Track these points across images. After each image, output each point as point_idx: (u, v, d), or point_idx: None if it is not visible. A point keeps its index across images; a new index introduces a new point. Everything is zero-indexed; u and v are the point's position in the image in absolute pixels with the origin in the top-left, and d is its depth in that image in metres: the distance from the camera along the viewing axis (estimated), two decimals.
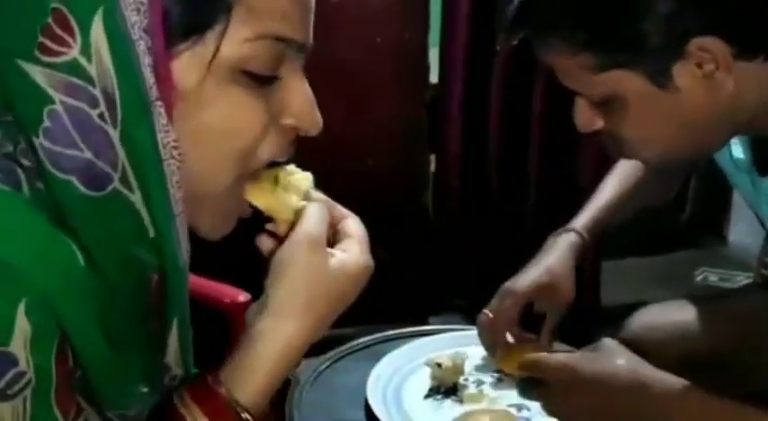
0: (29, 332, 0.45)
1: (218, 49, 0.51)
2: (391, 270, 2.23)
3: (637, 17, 0.76)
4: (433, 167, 2.22)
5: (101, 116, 0.47)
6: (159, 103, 0.49)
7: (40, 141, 0.47)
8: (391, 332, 1.15)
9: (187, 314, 0.56)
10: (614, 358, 0.78)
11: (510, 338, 1.03)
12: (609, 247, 2.27)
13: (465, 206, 2.16)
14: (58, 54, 0.46)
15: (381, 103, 2.12)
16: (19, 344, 0.45)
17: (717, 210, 2.81)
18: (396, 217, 2.20)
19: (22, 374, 0.45)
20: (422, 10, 2.06)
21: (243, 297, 1.37)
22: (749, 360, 0.89)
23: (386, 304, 2.20)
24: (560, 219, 2.16)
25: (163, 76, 0.49)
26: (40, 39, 0.46)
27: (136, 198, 0.49)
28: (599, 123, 0.86)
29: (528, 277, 1.05)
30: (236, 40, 0.51)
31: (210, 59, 0.51)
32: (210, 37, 0.51)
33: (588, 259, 2.19)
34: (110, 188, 0.48)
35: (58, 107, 0.46)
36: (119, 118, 0.47)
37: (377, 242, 2.45)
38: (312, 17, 0.57)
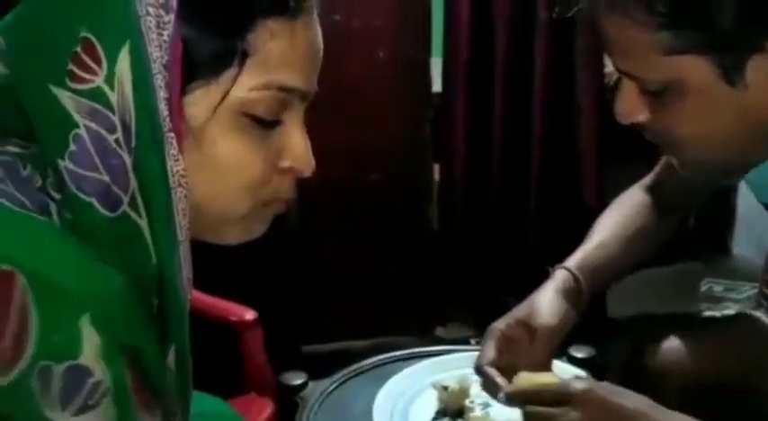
0: (98, 341, 0.47)
1: (228, 92, 0.55)
2: (396, 281, 2.24)
3: None
4: (436, 177, 2.23)
5: (117, 142, 0.50)
6: (171, 134, 0.52)
7: (66, 164, 0.49)
8: (398, 352, 1.14)
9: (186, 342, 0.58)
10: (630, 395, 0.77)
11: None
12: None
13: (468, 216, 2.17)
14: (85, 81, 0.49)
15: (384, 118, 2.13)
16: (90, 356, 0.47)
17: (720, 221, 2.80)
18: (400, 228, 2.20)
19: (99, 383, 0.48)
20: (423, 24, 2.07)
21: (250, 315, 1.37)
22: (756, 384, 0.89)
23: (391, 316, 2.20)
24: (563, 229, 2.17)
25: (175, 110, 0.52)
26: (70, 66, 0.49)
27: (143, 223, 0.51)
28: (641, 114, 0.80)
29: (509, 314, 0.98)
30: (245, 86, 0.56)
31: (220, 101, 0.55)
32: (223, 80, 0.55)
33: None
34: (120, 210, 0.50)
35: (82, 131, 0.49)
36: (132, 145, 0.50)
37: (381, 254, 2.44)
38: (319, 67, 0.62)
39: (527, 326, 0.94)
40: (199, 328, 1.47)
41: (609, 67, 3.05)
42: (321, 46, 0.62)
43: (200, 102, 0.55)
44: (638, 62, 0.76)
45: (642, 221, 1.07)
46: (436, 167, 2.22)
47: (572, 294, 0.98)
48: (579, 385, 0.78)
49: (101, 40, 0.49)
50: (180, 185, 0.53)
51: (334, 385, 1.05)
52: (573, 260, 1.01)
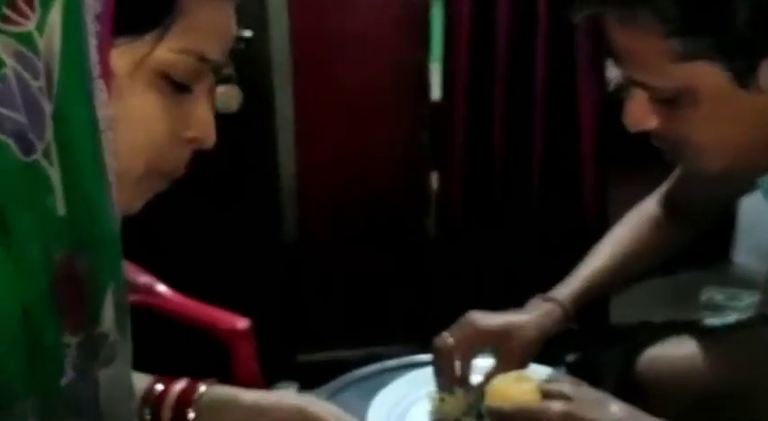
0: None
1: (153, 49, 0.57)
2: (393, 290, 2.22)
3: (735, 2, 0.70)
4: (435, 184, 2.21)
5: (40, 89, 0.50)
6: (101, 81, 0.52)
7: None
8: (393, 362, 1.12)
9: (123, 278, 0.57)
10: (608, 405, 0.77)
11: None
12: None
13: (467, 225, 2.15)
14: (17, 24, 0.49)
15: (382, 125, 2.12)
16: None
17: (720, 229, 2.79)
18: (397, 236, 2.19)
19: None
20: (422, 29, 2.06)
21: (242, 323, 1.35)
22: (752, 393, 0.88)
23: (387, 325, 2.18)
24: (563, 237, 2.15)
25: (105, 59, 0.53)
26: (4, 10, 0.49)
27: (54, 173, 0.51)
28: (652, 122, 0.78)
29: (496, 318, 0.97)
30: (168, 48, 0.58)
31: (142, 58, 0.57)
32: (148, 38, 0.57)
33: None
34: (32, 157, 0.50)
35: (9, 72, 0.49)
36: (54, 93, 0.50)
37: (378, 262, 2.42)
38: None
39: (504, 337, 0.95)
40: (191, 337, 1.45)
41: (611, 72, 3.04)
42: (234, 33, 0.64)
43: (123, 55, 0.57)
44: (649, 70, 0.75)
45: (653, 235, 1.07)
46: (435, 175, 2.21)
47: (553, 330, 0.99)
48: (558, 408, 0.77)
49: None
50: (109, 128, 0.53)
51: (327, 395, 1.03)
52: (570, 291, 1.00)
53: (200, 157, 0.64)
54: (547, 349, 1.01)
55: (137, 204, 0.63)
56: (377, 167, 2.13)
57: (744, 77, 0.72)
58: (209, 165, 0.65)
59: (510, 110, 2.06)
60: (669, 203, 1.08)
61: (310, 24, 1.98)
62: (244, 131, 1.87)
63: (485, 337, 0.95)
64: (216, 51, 0.61)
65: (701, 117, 0.75)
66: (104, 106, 0.53)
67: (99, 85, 0.53)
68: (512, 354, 0.94)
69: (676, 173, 1.08)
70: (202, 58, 0.60)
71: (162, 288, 1.37)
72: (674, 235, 1.08)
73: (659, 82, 0.75)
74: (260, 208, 2.03)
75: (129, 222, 0.60)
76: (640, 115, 0.78)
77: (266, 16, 1.93)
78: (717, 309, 2.42)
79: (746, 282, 2.31)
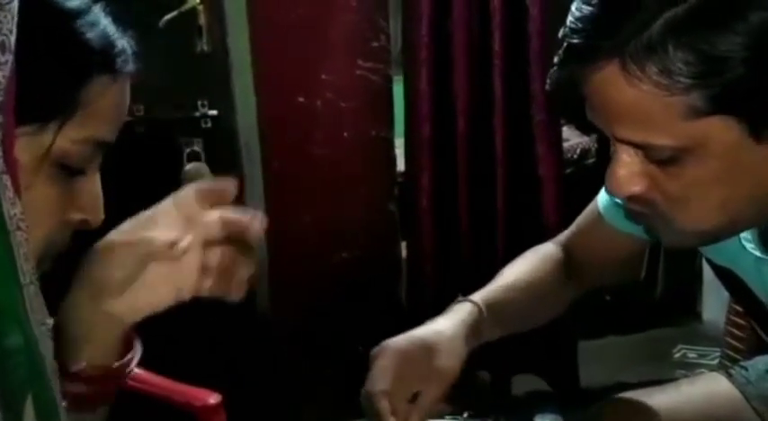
0: None
1: (54, 140, 0.55)
2: (366, 361, 2.21)
3: (745, 50, 0.63)
4: (404, 253, 2.24)
5: None
6: (6, 176, 0.49)
7: None
8: None
9: (47, 381, 0.52)
10: None
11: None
12: (586, 327, 2.28)
13: (438, 289, 2.17)
14: None
15: (351, 196, 2.15)
16: None
17: (688, 287, 2.83)
18: (369, 306, 2.19)
19: None
20: (386, 107, 2.12)
21: (213, 399, 1.34)
22: None
23: (360, 395, 2.16)
24: None
25: (9, 152, 0.49)
26: None
27: None
28: (641, 186, 0.72)
29: (407, 335, 0.89)
30: (68, 137, 0.56)
31: (47, 149, 0.55)
32: (50, 128, 0.55)
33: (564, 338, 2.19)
34: None
35: None
36: None
37: (353, 334, 2.43)
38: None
39: (427, 347, 0.86)
40: (163, 415, 1.43)
41: (570, 139, 3.10)
42: (127, 106, 0.62)
43: (26, 148, 0.54)
44: (653, 129, 0.67)
45: (550, 276, 1.02)
46: (404, 245, 2.24)
47: (474, 331, 0.91)
48: None
49: None
50: (19, 228, 0.49)
51: None
52: (479, 295, 0.96)
53: None
54: (517, 410, 1.01)
55: None
56: (347, 239, 2.16)
57: (759, 128, 0.66)
58: None
59: (472, 177, 2.12)
60: (568, 252, 1.06)
61: (278, 102, 2.03)
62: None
63: (404, 353, 0.87)
64: (112, 134, 0.60)
65: (705, 176, 0.69)
66: (12, 204, 0.49)
67: (4, 180, 0.48)
68: (439, 369, 0.86)
69: (576, 225, 1.06)
70: (99, 143, 0.59)
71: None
72: (568, 284, 1.04)
73: (663, 140, 0.68)
74: None
75: None
76: (629, 178, 0.71)
77: (233, 94, 1.98)
78: (689, 366, 2.44)
79: (717, 339, 2.34)
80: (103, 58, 0.57)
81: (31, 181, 0.55)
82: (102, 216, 0.61)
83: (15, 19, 0.49)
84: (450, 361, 0.86)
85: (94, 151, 0.59)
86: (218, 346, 1.95)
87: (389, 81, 2.10)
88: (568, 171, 2.62)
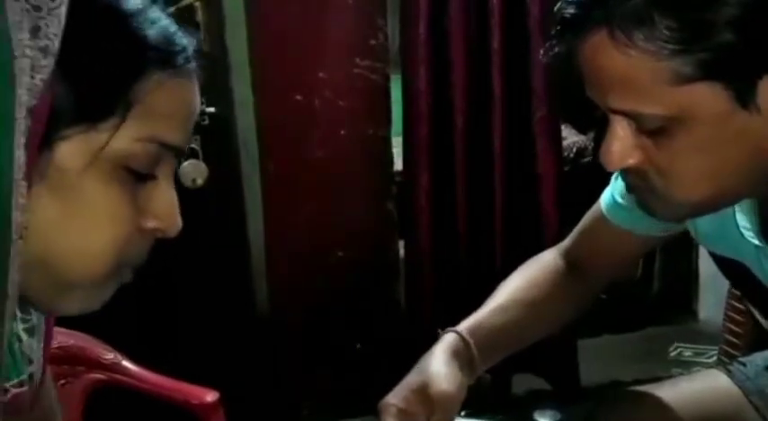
0: None
1: (108, 141, 0.53)
2: (364, 359, 2.21)
3: (729, 17, 0.65)
4: (402, 252, 2.24)
5: None
6: (24, 183, 0.48)
7: None
8: None
9: None
10: None
11: None
12: (582, 326, 2.28)
13: (436, 292, 2.17)
14: None
15: (349, 196, 2.15)
16: None
17: (684, 285, 2.84)
18: (367, 306, 2.19)
19: None
20: (384, 105, 2.12)
21: (211, 396, 1.34)
22: None
23: (358, 394, 2.16)
24: None
25: (33, 158, 0.49)
26: None
27: None
28: (635, 157, 0.73)
29: (401, 385, 0.89)
30: (126, 137, 0.53)
31: (99, 149, 0.52)
32: (104, 128, 0.52)
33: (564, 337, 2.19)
34: None
35: None
36: None
37: (351, 332, 2.42)
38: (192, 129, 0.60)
39: (424, 396, 0.87)
40: (161, 412, 1.43)
41: (567, 138, 3.11)
42: (198, 110, 0.60)
43: (76, 149, 0.52)
44: (642, 96, 0.69)
45: (549, 288, 1.01)
46: (402, 244, 2.24)
47: (463, 358, 0.91)
48: None
49: None
50: (21, 238, 0.48)
51: None
52: (465, 324, 0.95)
53: None
54: (516, 407, 1.01)
55: (95, 304, 0.58)
56: (345, 237, 2.16)
57: (745, 96, 0.68)
58: (177, 241, 0.62)
59: (471, 176, 2.12)
60: (570, 258, 1.05)
61: (276, 100, 2.03)
62: (211, 206, 1.89)
63: (400, 403, 0.87)
64: (178, 135, 0.57)
65: (695, 144, 0.70)
66: (22, 211, 0.48)
67: (20, 187, 0.47)
68: (439, 400, 0.87)
69: (578, 229, 1.06)
70: (164, 144, 0.56)
71: (127, 364, 1.36)
72: (577, 289, 1.03)
73: (652, 108, 0.69)
74: (230, 282, 2.04)
75: None
76: (623, 151, 0.73)
77: (231, 92, 1.97)
78: (686, 365, 2.45)
79: (713, 337, 2.34)
80: (159, 53, 0.55)
81: (90, 183, 0.53)
82: (179, 224, 0.59)
83: (62, 24, 0.48)
84: (446, 385, 0.87)
85: (161, 153, 0.56)
86: (216, 345, 1.95)
87: (387, 79, 2.10)
88: (565, 169, 2.62)
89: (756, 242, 0.83)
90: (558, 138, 2.17)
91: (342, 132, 2.10)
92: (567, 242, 1.07)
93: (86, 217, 0.53)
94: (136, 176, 0.55)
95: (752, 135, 0.70)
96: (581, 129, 3.21)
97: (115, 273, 0.57)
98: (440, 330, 0.95)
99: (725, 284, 1.55)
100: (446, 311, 2.16)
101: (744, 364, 0.99)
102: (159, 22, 0.56)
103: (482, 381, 2.38)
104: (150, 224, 0.57)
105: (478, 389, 0.99)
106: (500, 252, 2.15)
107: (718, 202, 0.77)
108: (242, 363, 2.00)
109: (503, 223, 2.14)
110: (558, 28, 0.72)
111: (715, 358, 2.22)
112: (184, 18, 1.92)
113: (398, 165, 2.21)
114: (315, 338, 2.16)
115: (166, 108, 0.56)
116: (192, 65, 0.58)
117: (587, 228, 1.04)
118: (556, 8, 0.72)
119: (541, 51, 0.77)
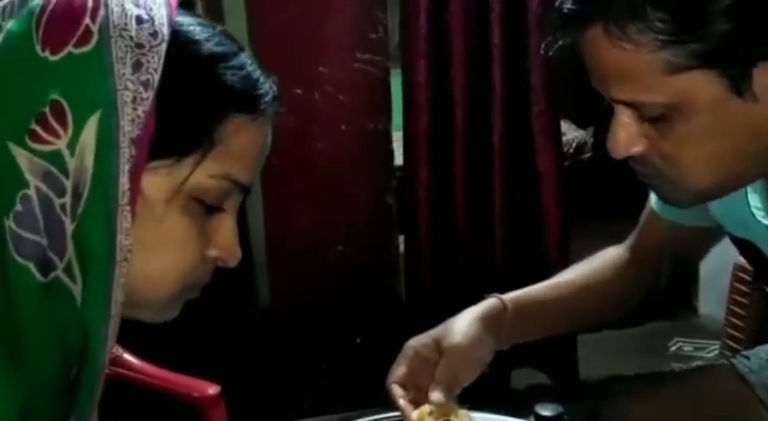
0: None
1: (189, 175, 0.56)
2: (365, 354, 2.21)
3: (720, 6, 0.67)
4: (402, 246, 2.23)
5: (62, 207, 0.50)
6: (128, 208, 0.52)
7: (9, 224, 0.49)
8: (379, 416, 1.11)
9: (89, 416, 0.56)
10: None
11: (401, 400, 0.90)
12: None
13: (436, 287, 2.16)
14: (46, 143, 0.49)
15: (349, 190, 2.15)
16: None
17: (685, 280, 2.83)
18: (367, 300, 2.19)
19: None
20: (384, 99, 2.12)
21: (212, 389, 1.34)
22: None
23: (360, 389, 2.17)
24: None
25: (136, 185, 0.53)
26: (33, 126, 0.49)
27: (76, 290, 0.51)
28: (639, 145, 0.75)
29: (427, 333, 0.94)
30: (204, 173, 0.57)
31: (181, 183, 0.56)
32: (187, 163, 0.56)
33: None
34: (52, 275, 0.50)
35: (32, 192, 0.49)
36: (78, 213, 0.50)
37: (351, 326, 2.42)
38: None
39: (439, 345, 0.92)
40: (164, 405, 1.43)
41: (566, 133, 3.11)
42: (268, 151, 0.64)
43: (161, 181, 0.56)
44: (640, 86, 0.71)
45: (608, 275, 1.04)
46: (402, 238, 2.23)
47: (493, 321, 0.94)
48: None
49: (72, 105, 0.50)
50: (125, 259, 0.53)
51: None
52: (512, 293, 0.99)
53: None
54: (516, 401, 1.01)
55: (169, 315, 0.64)
56: (345, 231, 2.15)
57: (739, 84, 0.69)
58: None
59: (471, 170, 2.11)
60: (632, 252, 1.07)
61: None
62: None
63: (418, 349, 0.93)
64: (249, 174, 0.61)
65: (695, 132, 0.72)
66: (126, 235, 0.52)
67: (124, 212, 0.52)
68: (456, 359, 0.91)
69: (639, 224, 1.07)
70: (235, 181, 0.60)
71: (129, 358, 1.36)
72: (638, 282, 1.06)
73: (651, 97, 0.71)
74: (231, 275, 2.03)
75: None
76: (628, 139, 0.74)
77: None
78: (686, 359, 2.45)
79: (713, 333, 2.35)
80: (243, 98, 0.59)
81: (168, 213, 0.56)
82: (238, 255, 0.62)
83: (162, 60, 0.53)
84: (459, 338, 0.91)
85: (231, 189, 0.60)
86: (218, 340, 1.95)
87: (387, 73, 2.10)
88: (565, 165, 2.62)
89: (767, 222, 0.84)
90: (557, 133, 2.17)
91: (342, 126, 2.10)
92: (630, 237, 1.09)
93: (162, 245, 0.57)
94: (206, 209, 0.59)
95: (752, 120, 0.71)
96: (581, 124, 3.20)
97: (181, 296, 0.61)
98: (485, 295, 0.99)
99: (725, 280, 1.56)
100: (446, 306, 2.15)
101: (747, 357, 0.99)
102: (243, 69, 0.59)
103: (481, 375, 2.38)
104: (214, 253, 0.61)
105: (478, 383, 1.00)
106: (500, 246, 2.15)
107: (728, 186, 0.79)
108: (242, 357, 2.00)
109: (503, 218, 2.13)
110: (558, 22, 0.74)
111: (715, 353, 2.22)
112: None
113: (399, 159, 2.20)
114: (315, 332, 2.15)
115: (242, 149, 0.60)
116: (271, 110, 0.62)
117: (644, 223, 1.06)
118: (556, 3, 0.75)
119: (542, 46, 0.79)
